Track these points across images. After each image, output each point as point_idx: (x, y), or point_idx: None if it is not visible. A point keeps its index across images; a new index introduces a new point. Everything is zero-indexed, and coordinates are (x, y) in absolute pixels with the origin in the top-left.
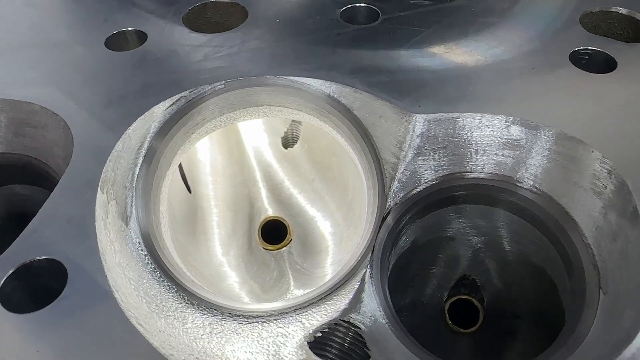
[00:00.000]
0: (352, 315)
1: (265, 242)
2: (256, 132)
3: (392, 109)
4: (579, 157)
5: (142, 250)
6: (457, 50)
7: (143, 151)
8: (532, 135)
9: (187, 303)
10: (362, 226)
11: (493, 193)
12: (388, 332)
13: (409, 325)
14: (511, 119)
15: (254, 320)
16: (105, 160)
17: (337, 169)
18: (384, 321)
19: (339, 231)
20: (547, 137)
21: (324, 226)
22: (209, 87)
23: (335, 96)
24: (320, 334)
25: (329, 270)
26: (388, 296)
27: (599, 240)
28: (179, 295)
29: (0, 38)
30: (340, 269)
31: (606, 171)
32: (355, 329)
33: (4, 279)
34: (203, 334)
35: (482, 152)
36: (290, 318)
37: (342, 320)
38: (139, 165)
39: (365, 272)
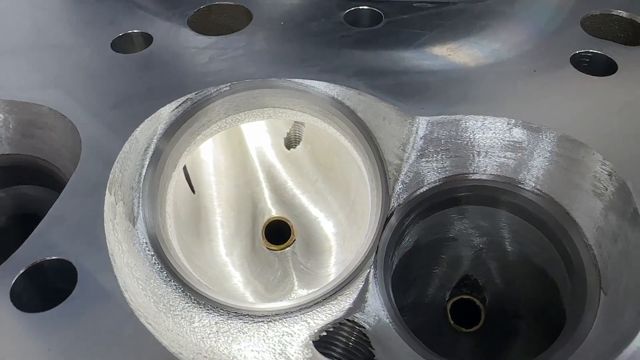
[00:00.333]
0: (357, 315)
1: (269, 242)
2: (259, 133)
3: (396, 111)
4: (580, 159)
5: (149, 250)
6: (460, 53)
7: (150, 152)
8: (534, 137)
9: (193, 303)
10: (364, 226)
11: (495, 194)
12: (392, 331)
13: (412, 325)
14: (513, 122)
15: (260, 320)
16: (113, 162)
17: (339, 170)
18: (387, 320)
19: (342, 231)
20: (549, 139)
21: (327, 226)
22: (215, 89)
23: (339, 98)
24: (325, 333)
25: (333, 270)
26: (392, 296)
27: (600, 241)
28: (186, 295)
29: (7, 40)
30: (344, 269)
31: (607, 173)
32: (360, 329)
33: (15, 278)
34: (210, 333)
35: (484, 154)
36: (296, 317)
37: (346, 319)
38: (146, 166)
39: (369, 272)
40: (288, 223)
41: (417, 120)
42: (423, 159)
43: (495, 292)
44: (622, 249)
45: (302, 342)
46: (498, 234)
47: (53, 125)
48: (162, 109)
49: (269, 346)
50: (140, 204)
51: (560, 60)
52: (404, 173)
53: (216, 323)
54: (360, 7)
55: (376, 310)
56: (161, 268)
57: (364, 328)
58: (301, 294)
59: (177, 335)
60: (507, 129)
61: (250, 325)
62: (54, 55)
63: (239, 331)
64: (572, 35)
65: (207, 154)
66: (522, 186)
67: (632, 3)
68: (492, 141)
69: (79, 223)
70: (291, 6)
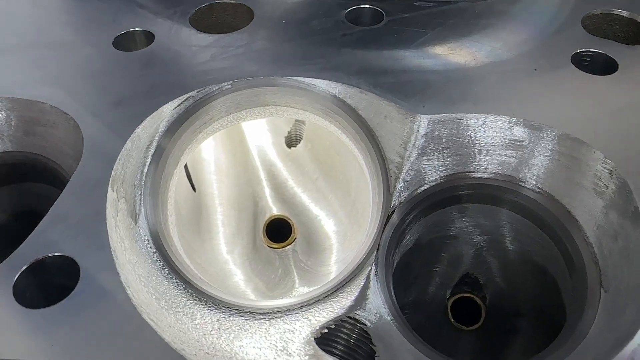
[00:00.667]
0: (358, 312)
1: (269, 241)
2: (260, 132)
3: (397, 110)
4: (581, 157)
5: (150, 247)
6: (461, 52)
7: (152, 150)
8: (535, 135)
9: (195, 300)
10: (365, 225)
11: (496, 193)
12: (393, 328)
13: (413, 323)
14: (514, 120)
15: (261, 317)
16: (115, 159)
17: (340, 168)
18: (389, 318)
19: (343, 229)
20: (550, 137)
21: (328, 225)
22: (216, 87)
23: (340, 96)
24: (326, 330)
25: (333, 268)
26: (393, 293)
27: (601, 239)
28: (187, 291)
29: (9, 38)
30: (345, 266)
31: (608, 171)
32: (361, 326)
33: (17, 274)
34: (212, 330)
35: (485, 152)
36: (297, 314)
37: (348, 316)
38: (148, 163)
39: (371, 269)
40: (289, 221)
41: (419, 118)
42: (424, 157)
43: (495, 290)
44: (623, 247)
45: (303, 339)
46: (499, 232)
47: (55, 122)
48: (164, 106)
49: (270, 343)
50: (142, 201)
51: (561, 59)
52: (405, 171)
53: (218, 320)
54: (362, 6)
55: (377, 307)
56: (163, 265)
57: (365, 325)
58: (302, 291)
59: (179, 331)
60: (508, 128)
61: (252, 322)
62: (56, 53)
63: (241, 328)
64: (573, 35)
65: (208, 152)
66: (523, 184)
67: (632, 2)
68: (493, 139)
69: (81, 220)
70: (292, 4)
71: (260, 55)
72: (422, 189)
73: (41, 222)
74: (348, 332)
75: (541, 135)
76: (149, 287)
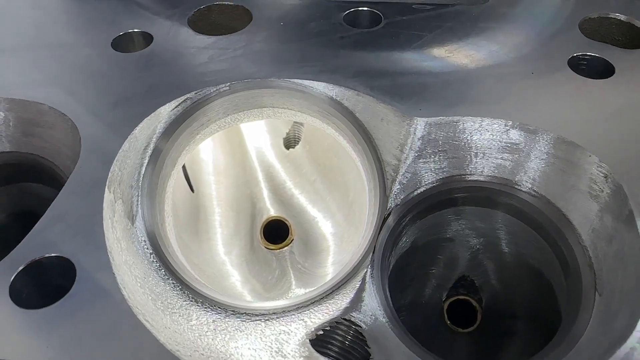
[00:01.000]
0: (353, 314)
1: (267, 242)
2: (258, 133)
3: (394, 112)
4: (577, 161)
5: (147, 248)
6: (458, 55)
7: (149, 151)
8: (531, 139)
9: (191, 301)
10: (362, 227)
11: (492, 195)
12: (388, 330)
13: (409, 325)
14: (510, 123)
15: (257, 318)
16: (112, 160)
17: (338, 171)
18: (384, 320)
19: (340, 231)
20: (546, 141)
21: (325, 226)
22: (214, 89)
23: (338, 99)
24: (322, 332)
25: (330, 269)
26: (388, 296)
27: (595, 242)
28: (184, 292)
29: (8, 39)
30: (341, 268)
31: (603, 175)
32: (356, 328)
33: (14, 275)
34: (207, 331)
35: (481, 155)
36: (293, 316)
37: (343, 318)
38: (145, 165)
39: (366, 271)
40: (286, 223)
41: (415, 121)
42: (421, 160)
43: (491, 293)
44: (618, 251)
45: (298, 340)
46: (494, 235)
47: (53, 123)
48: (161, 108)
49: (265, 344)
50: (139, 202)
51: (558, 63)
52: (401, 174)
53: (214, 321)
54: (360, 9)
55: (373, 309)
56: (159, 266)
57: (361, 327)
58: (298, 293)
59: (175, 332)
60: (504, 131)
61: (248, 324)
62: (54, 53)
63: (236, 329)
64: (570, 38)
65: (207, 153)
66: (519, 187)
67: (630, 6)
68: (490, 142)
69: (78, 220)
70: (291, 7)
71: (258, 57)
72: (419, 191)
73: (38, 222)
74: (343, 333)
75: (537, 138)
76: (145, 288)
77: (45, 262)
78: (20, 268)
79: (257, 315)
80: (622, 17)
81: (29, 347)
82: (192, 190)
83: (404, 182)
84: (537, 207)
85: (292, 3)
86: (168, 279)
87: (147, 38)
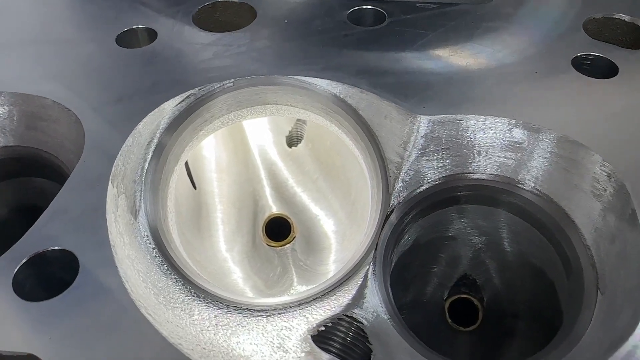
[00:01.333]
0: (355, 311)
1: (269, 239)
2: (261, 131)
3: (397, 110)
4: (580, 160)
5: (150, 243)
6: (462, 53)
7: (152, 146)
8: (534, 138)
9: (193, 296)
10: (364, 225)
11: (495, 194)
12: (390, 327)
13: (410, 323)
14: (514, 122)
15: (259, 314)
16: (116, 155)
17: (340, 169)
18: (385, 317)
19: (342, 229)
20: (549, 140)
21: (327, 224)
22: (218, 85)
23: (341, 96)
24: (323, 328)
25: (332, 267)
26: (390, 293)
27: (598, 241)
28: (186, 287)
29: (13, 33)
30: (344, 265)
31: (606, 174)
32: (358, 324)
33: (17, 268)
34: (209, 326)
35: (484, 153)
36: (295, 312)
37: (345, 315)
38: (148, 160)
39: (368, 269)
40: (288, 220)
41: (419, 119)
42: (424, 158)
43: (493, 292)
44: (620, 250)
45: (300, 336)
46: (497, 233)
47: (57, 117)
48: (165, 103)
49: (267, 340)
50: (142, 197)
51: (562, 62)
52: (404, 171)
53: (215, 316)
54: (364, 7)
55: (374, 306)
56: (162, 261)
57: (362, 324)
58: (300, 290)
59: (177, 327)
60: (508, 129)
61: (249, 319)
62: (59, 48)
63: (238, 325)
64: (574, 38)
65: (209, 150)
66: (522, 186)
67: (634, 7)
68: (493, 141)
69: (81, 214)
70: (295, 4)
71: (262, 54)
72: (421, 189)
73: (41, 216)
74: (345, 330)
75: (540, 137)
76: (148, 283)
77: (49, 255)
78: (24, 261)
79: (258, 310)
80: (626, 18)
81: (31, 339)
82: (194, 187)
83: (407, 179)
84: (540, 206)
85: (297, 0)
86: (170, 273)
87: (152, 34)
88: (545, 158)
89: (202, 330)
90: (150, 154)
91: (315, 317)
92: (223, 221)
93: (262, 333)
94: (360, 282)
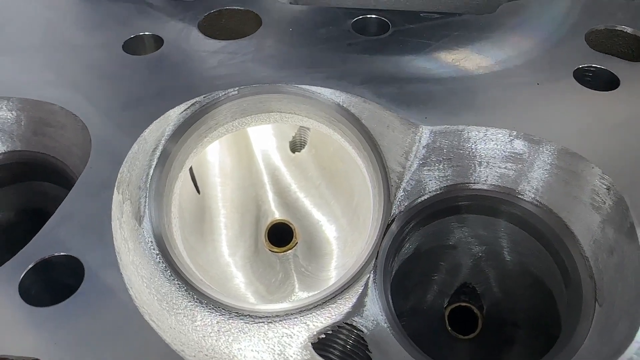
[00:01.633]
0: (355, 319)
1: (271, 245)
2: (265, 136)
3: (400, 120)
4: (580, 172)
5: (154, 249)
6: (465, 64)
7: (157, 153)
8: (535, 149)
9: (196, 302)
10: (366, 232)
11: (495, 204)
12: (389, 336)
13: (410, 330)
14: (515, 133)
15: (260, 320)
16: (122, 162)
17: (343, 175)
18: (385, 325)
19: (344, 236)
20: (549, 151)
21: (329, 230)
22: (223, 93)
23: (344, 105)
24: (324, 336)
25: (333, 273)
26: (390, 301)
27: (597, 253)
28: (189, 294)
29: (21, 39)
30: (344, 273)
31: (605, 187)
32: (358, 332)
33: (23, 273)
34: (211, 332)
35: (485, 164)
36: (296, 319)
37: (345, 323)
38: (153, 166)
39: (369, 277)
40: (291, 226)
41: (421, 129)
42: (425, 168)
43: (492, 301)
44: (618, 262)
45: (301, 343)
46: (497, 243)
47: (64, 123)
48: (170, 110)
49: (268, 346)
50: (147, 204)
51: (564, 74)
52: (406, 181)
53: (217, 322)
54: (368, 16)
55: (374, 314)
56: (165, 267)
57: (362, 332)
58: (301, 296)
59: (180, 333)
60: (509, 141)
61: (251, 326)
62: (67, 55)
63: (240, 331)
64: (576, 50)
65: (214, 155)
66: (522, 197)
67: (636, 19)
68: (494, 152)
69: (86, 220)
70: (300, 13)
71: (267, 62)
72: (422, 198)
73: (48, 222)
74: (345, 338)
75: (541, 149)
76: (151, 289)
77: (55, 261)
78: (30, 266)
79: (260, 317)
80: (629, 30)
81: (37, 344)
82: (198, 191)
83: (408, 189)
84: (540, 217)
85: (302, 9)
86: (174, 280)
87: (158, 41)
88: (545, 170)
89: (204, 337)
90: (155, 160)
91: (315, 325)
92: (226, 226)
93: (264, 340)
94: (360, 291)
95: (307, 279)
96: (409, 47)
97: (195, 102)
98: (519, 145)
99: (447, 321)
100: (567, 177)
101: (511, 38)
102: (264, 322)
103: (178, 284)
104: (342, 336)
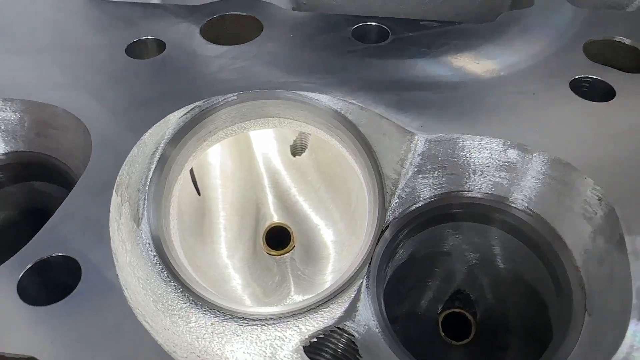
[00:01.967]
0: (347, 323)
1: (269, 247)
2: (266, 140)
3: (396, 128)
4: (572, 182)
5: (151, 250)
6: (462, 72)
7: (157, 156)
8: (528, 159)
9: (191, 303)
10: (362, 236)
11: (488, 212)
12: (380, 341)
13: (404, 335)
14: (509, 143)
15: (254, 323)
16: (121, 164)
17: (342, 180)
18: (377, 330)
19: (341, 240)
20: (543, 161)
21: (327, 234)
22: (222, 98)
23: (342, 112)
24: (315, 339)
25: (329, 277)
26: (383, 307)
27: (587, 263)
28: (184, 295)
29: (27, 41)
30: (338, 278)
31: (597, 198)
32: (349, 337)
33: (22, 273)
34: (205, 334)
35: (479, 172)
36: (289, 322)
37: (337, 327)
38: (153, 169)
39: (362, 282)
40: (289, 229)
41: (416, 137)
42: (420, 175)
43: (486, 307)
44: (608, 273)
45: (292, 346)
46: (490, 250)
47: (66, 126)
48: (170, 115)
49: (260, 349)
50: (146, 206)
51: (560, 84)
52: (400, 188)
53: (212, 324)
54: (368, 23)
55: (366, 319)
56: (162, 268)
57: (354, 336)
58: (297, 299)
59: (173, 334)
60: (503, 150)
61: (244, 328)
62: (70, 57)
63: (233, 333)
64: (573, 60)
65: (215, 157)
66: (515, 206)
67: (635, 30)
68: (488, 161)
69: (85, 222)
70: (301, 19)
71: (267, 68)
72: (417, 206)
73: (47, 223)
74: (336, 341)
75: (534, 159)
76: (147, 290)
77: (53, 261)
78: (29, 266)
79: (254, 320)
80: (627, 41)
81: (34, 342)
82: (198, 193)
83: (403, 196)
84: (532, 226)
85: (303, 15)
86: (170, 281)
87: (160, 45)
88: (538, 179)
89: (197, 338)
90: (155, 163)
91: (308, 328)
92: (226, 228)
93: (256, 342)
94: (353, 296)
95: (303, 283)
96: (407, 55)
97: (195, 107)
98: (513, 154)
99: (440, 327)
100: (559, 187)
101: (509, 47)
102: (257, 324)
103: (174, 285)
104: (333, 340)
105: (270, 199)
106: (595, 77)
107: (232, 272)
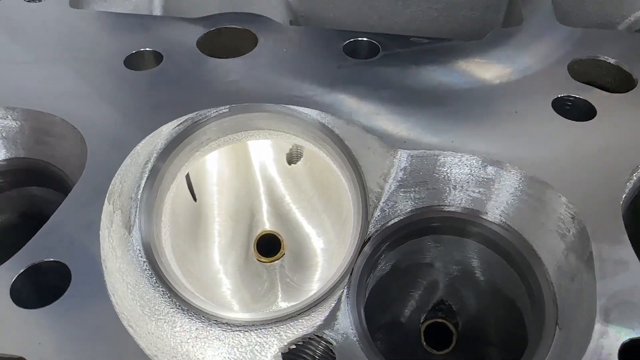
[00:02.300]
0: (326, 331)
1: (259, 254)
2: (263, 148)
3: (380, 143)
4: (547, 200)
5: (141, 257)
6: (447, 89)
7: (149, 166)
8: (506, 176)
9: (178, 308)
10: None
11: (467, 226)
12: (357, 349)
13: (387, 344)
14: (488, 160)
15: (237, 329)
16: (114, 173)
17: (334, 189)
18: (355, 339)
19: (331, 248)
20: (519, 179)
21: (317, 243)
22: (214, 110)
23: (329, 126)
24: (294, 346)
25: (316, 285)
26: (362, 316)
27: (560, 279)
28: (172, 300)
29: (29, 52)
30: (320, 287)
31: (570, 216)
32: (327, 344)
33: (15, 277)
34: (189, 338)
35: (459, 188)
36: (270, 329)
37: (316, 335)
38: (145, 179)
39: (343, 292)
40: (279, 237)
41: (399, 153)
42: (402, 189)
43: (467, 318)
44: (578, 289)
45: (272, 353)
46: (469, 263)
47: (64, 134)
48: (163, 126)
49: (241, 354)
50: (137, 214)
51: (542, 103)
52: (383, 201)
53: (196, 329)
54: (359, 39)
55: (345, 328)
56: (151, 274)
57: (332, 344)
58: (283, 306)
59: (157, 338)
60: (482, 167)
61: (228, 333)
62: (70, 67)
63: (216, 338)
64: (557, 79)
65: (212, 164)
66: (493, 221)
67: (620, 49)
68: (467, 177)
69: (77, 229)
70: (295, 33)
71: (260, 82)
72: (398, 219)
73: (41, 229)
74: (314, 348)
75: (511, 176)
76: (135, 295)
77: (44, 266)
78: (22, 270)
79: (237, 326)
80: (612, 60)
81: (23, 343)
82: (194, 199)
83: (385, 209)
84: (509, 240)
85: (297, 30)
86: (158, 286)
87: (158, 57)
88: (516, 196)
89: (181, 342)
90: (147, 173)
91: (288, 335)
92: (220, 233)
93: (237, 348)
94: (333, 305)
95: (291, 290)
96: (396, 71)
97: (187, 119)
98: (491, 171)
99: (422, 336)
100: (535, 204)
101: (495, 65)
102: (240, 330)
103: (162, 290)
104: (311, 347)
105: (264, 206)
106: (577, 96)
107: (223, 277)
